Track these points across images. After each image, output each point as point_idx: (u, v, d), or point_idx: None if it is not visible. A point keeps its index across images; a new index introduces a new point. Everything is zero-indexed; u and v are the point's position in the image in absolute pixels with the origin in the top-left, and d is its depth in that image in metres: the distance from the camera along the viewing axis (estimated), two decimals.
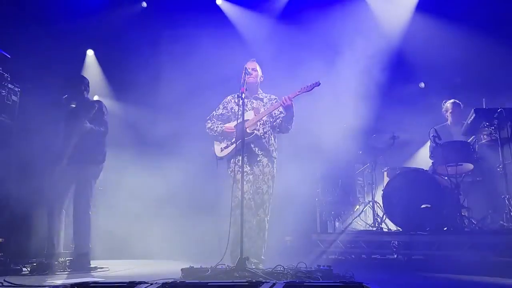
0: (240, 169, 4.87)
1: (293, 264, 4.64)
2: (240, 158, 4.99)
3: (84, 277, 4.83)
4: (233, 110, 5.63)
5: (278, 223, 6.27)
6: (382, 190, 6.83)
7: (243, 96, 4.87)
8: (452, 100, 7.29)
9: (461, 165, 6.35)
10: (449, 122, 7.25)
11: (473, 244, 5.59)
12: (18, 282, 4.18)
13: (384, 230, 7.00)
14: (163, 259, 7.23)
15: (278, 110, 5.47)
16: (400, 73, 8.22)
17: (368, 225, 7.41)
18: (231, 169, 5.42)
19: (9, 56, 6.28)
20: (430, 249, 5.86)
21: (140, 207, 7.81)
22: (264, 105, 5.55)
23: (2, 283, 4.12)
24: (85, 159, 5.77)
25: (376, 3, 8.38)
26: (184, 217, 7.52)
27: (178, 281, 3.62)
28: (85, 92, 6.05)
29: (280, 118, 5.49)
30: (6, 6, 7.33)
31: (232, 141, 5.41)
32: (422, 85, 8.68)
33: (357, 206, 7.86)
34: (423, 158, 7.71)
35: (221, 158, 5.50)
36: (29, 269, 5.30)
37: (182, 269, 4.48)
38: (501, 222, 6.08)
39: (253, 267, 4.61)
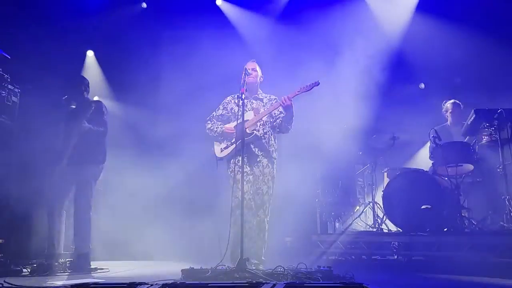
0: (240, 170, 4.87)
1: (293, 265, 4.65)
2: (240, 158, 5.00)
3: (84, 278, 4.83)
4: (233, 111, 5.63)
5: (278, 223, 6.28)
6: (382, 191, 6.83)
7: (243, 97, 4.87)
8: (452, 101, 7.29)
9: (461, 165, 6.35)
10: (449, 122, 7.25)
11: (473, 245, 5.59)
12: (18, 283, 4.17)
13: (384, 231, 7.00)
14: (163, 260, 7.23)
15: (278, 110, 5.48)
16: (400, 74, 8.22)
17: (368, 226, 7.41)
18: (231, 170, 5.42)
19: (9, 57, 6.28)
20: (430, 250, 5.86)
21: (140, 208, 7.82)
22: (264, 105, 5.55)
23: (2, 284, 4.12)
24: (85, 159, 5.76)
25: (376, 3, 8.37)
26: (184, 218, 7.52)
27: (178, 282, 3.63)
28: (85, 92, 6.05)
29: (280, 118, 5.50)
30: (6, 6, 7.33)
31: (232, 141, 5.41)
32: (422, 86, 8.67)
33: (357, 207, 7.85)
34: (423, 159, 7.71)
35: (221, 158, 5.50)
36: (29, 270, 5.29)
37: (182, 270, 4.48)
38: (501, 223, 6.08)
39: (253, 268, 4.60)
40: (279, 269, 4.36)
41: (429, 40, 8.02)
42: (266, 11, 8.60)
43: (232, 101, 5.69)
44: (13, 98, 6.36)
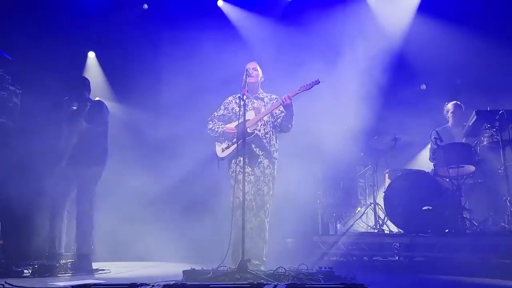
0: (241, 170, 4.86)
1: (294, 266, 4.64)
2: (241, 159, 5.00)
3: (85, 279, 4.83)
4: (234, 111, 5.63)
5: (279, 224, 6.27)
6: (384, 192, 6.82)
7: (244, 98, 4.88)
8: (453, 102, 7.28)
9: (463, 167, 6.35)
10: (450, 124, 7.24)
11: (475, 246, 5.58)
12: (19, 284, 4.18)
13: (386, 232, 6.99)
14: (164, 261, 7.23)
15: (279, 110, 5.48)
16: (402, 75, 8.21)
17: (369, 227, 7.40)
18: (232, 170, 5.43)
19: (10, 58, 6.29)
20: (432, 251, 5.85)
21: (141, 208, 7.81)
22: (265, 105, 5.56)
23: (3, 285, 4.12)
24: (86, 160, 5.76)
25: (377, 4, 8.37)
26: (185, 218, 7.53)
27: (179, 283, 3.63)
28: (86, 93, 6.06)
29: (281, 118, 5.50)
30: (7, 7, 7.34)
31: (233, 141, 5.41)
32: (424, 87, 8.67)
33: (359, 208, 7.85)
34: (424, 160, 7.70)
35: (222, 158, 5.50)
36: (30, 271, 5.29)
37: (183, 271, 4.48)
38: (503, 224, 6.08)
39: (255, 268, 4.60)
40: (280, 270, 4.36)
41: (430, 41, 8.01)
42: (267, 12, 8.60)
43: (233, 101, 5.70)
44: (14, 99, 6.37)
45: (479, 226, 6.24)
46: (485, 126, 6.23)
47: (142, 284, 3.34)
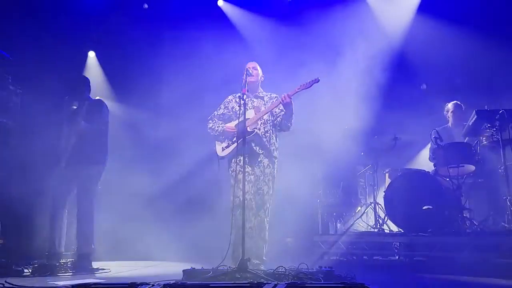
0: (241, 169, 4.86)
1: (294, 265, 4.65)
2: (241, 158, 5.01)
3: (85, 278, 4.84)
4: (234, 110, 5.63)
5: (279, 224, 6.28)
6: (384, 192, 6.83)
7: (244, 97, 4.88)
8: (453, 102, 7.28)
9: (463, 166, 6.35)
10: (450, 123, 7.25)
11: (475, 245, 5.59)
12: (19, 283, 4.18)
13: (386, 231, 7.00)
14: (165, 260, 7.23)
15: (278, 109, 5.48)
16: (402, 75, 8.21)
17: (369, 227, 7.40)
18: (232, 169, 5.43)
19: (10, 58, 6.29)
20: (432, 251, 5.86)
21: (142, 208, 7.81)
22: (264, 104, 5.56)
23: (3, 284, 4.12)
24: (86, 159, 5.76)
25: (378, 4, 8.37)
26: (185, 218, 7.53)
27: (179, 283, 3.63)
28: (86, 92, 6.06)
29: (281, 116, 5.50)
30: (7, 7, 7.34)
31: (233, 140, 5.41)
32: (424, 86, 8.67)
33: (359, 208, 7.85)
34: (424, 160, 7.70)
35: (223, 157, 5.51)
36: (30, 270, 5.30)
37: (183, 271, 4.48)
38: (503, 223, 6.08)
39: (255, 268, 4.60)
40: (281, 270, 4.36)
41: (430, 41, 8.01)
42: (267, 12, 8.60)
43: (233, 100, 5.70)
44: (14, 99, 6.37)
45: (479, 226, 6.24)
46: (485, 126, 6.23)
47: (142, 284, 3.34)
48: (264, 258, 5.27)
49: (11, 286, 4.06)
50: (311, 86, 5.17)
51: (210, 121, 5.68)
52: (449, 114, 7.26)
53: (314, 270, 4.54)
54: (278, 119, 5.53)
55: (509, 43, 7.52)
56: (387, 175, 7.63)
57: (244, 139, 4.79)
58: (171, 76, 8.14)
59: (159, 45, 8.69)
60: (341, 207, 7.67)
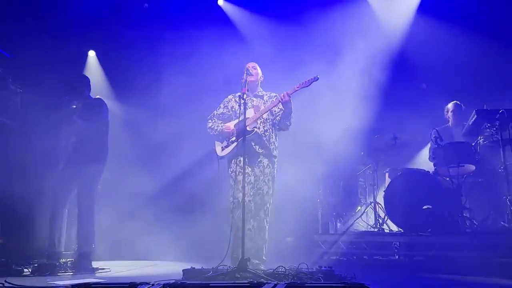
0: (241, 170, 4.87)
1: (294, 265, 4.65)
2: (241, 158, 5.02)
3: (85, 278, 4.84)
4: (233, 109, 5.63)
5: (279, 223, 6.29)
6: (384, 191, 6.83)
7: (244, 97, 4.88)
8: (453, 102, 7.29)
9: (463, 166, 6.35)
10: (450, 123, 7.25)
11: (475, 245, 5.59)
12: (19, 283, 4.18)
13: (386, 231, 7.00)
14: (164, 260, 7.23)
15: (278, 108, 5.48)
16: (402, 74, 8.21)
17: (369, 226, 7.41)
18: (231, 170, 5.43)
19: (10, 57, 6.30)
20: (432, 250, 5.86)
21: (141, 207, 7.82)
22: (264, 103, 5.56)
23: (3, 284, 4.13)
24: (86, 158, 5.76)
25: (377, 3, 8.36)
26: (185, 217, 7.53)
27: (179, 282, 3.63)
28: (86, 91, 6.06)
29: (280, 115, 5.50)
30: (7, 7, 7.34)
31: (232, 140, 5.41)
32: (424, 86, 8.67)
33: (359, 207, 7.86)
34: (424, 159, 7.70)
35: (222, 157, 5.51)
36: (30, 269, 5.30)
37: (183, 270, 4.48)
38: (502, 223, 6.08)
39: (254, 268, 4.60)
40: (280, 269, 4.36)
41: (430, 40, 8.00)
42: (267, 11, 8.59)
43: (233, 99, 5.70)
44: (15, 98, 6.37)
45: (479, 225, 6.25)
46: (485, 125, 6.23)
47: (142, 283, 3.34)
48: (264, 257, 5.27)
49: (11, 285, 4.06)
50: (310, 84, 5.16)
51: (210, 121, 5.68)
52: (449, 114, 7.27)
53: (314, 270, 4.54)
54: (277, 118, 5.53)
55: (509, 43, 7.52)
56: (387, 174, 7.63)
57: (244, 138, 4.79)
58: (171, 76, 8.13)
59: (159, 44, 8.68)
60: (341, 207, 7.68)
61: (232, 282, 3.90)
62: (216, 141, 5.59)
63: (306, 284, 3.35)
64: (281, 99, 5.25)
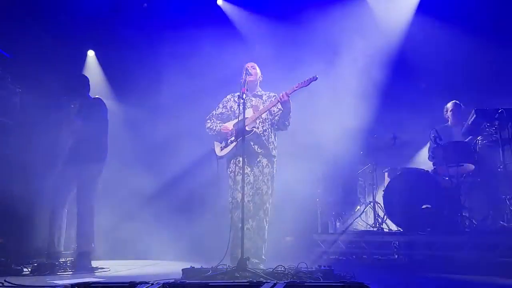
0: (240, 169, 4.87)
1: (294, 264, 4.65)
2: (240, 158, 5.02)
3: (85, 277, 4.84)
4: (232, 109, 5.63)
5: (279, 223, 6.29)
6: (383, 191, 6.83)
7: (244, 97, 4.88)
8: (453, 101, 7.29)
9: (462, 165, 6.35)
10: (450, 122, 7.25)
11: (474, 244, 5.60)
12: (18, 282, 4.18)
13: (385, 230, 7.01)
14: (164, 259, 7.23)
15: (277, 108, 5.47)
16: (401, 73, 8.21)
17: (369, 226, 7.41)
18: (230, 170, 5.43)
19: (10, 57, 6.29)
20: (431, 250, 5.87)
21: (141, 207, 7.82)
22: (263, 103, 5.55)
23: (2, 283, 4.13)
24: (85, 158, 5.76)
25: (377, 2, 8.36)
26: (185, 217, 7.53)
27: (178, 282, 3.63)
28: (85, 91, 6.06)
29: (278, 115, 5.50)
30: (7, 7, 7.34)
31: (232, 139, 5.41)
32: (423, 86, 8.68)
33: (358, 207, 7.86)
34: (424, 159, 7.71)
35: (221, 157, 5.50)
36: (30, 269, 5.30)
37: (183, 270, 4.48)
38: (502, 223, 6.08)
39: (254, 267, 4.61)
40: (280, 269, 4.36)
41: (430, 40, 8.01)
42: (266, 11, 8.59)
43: (232, 99, 5.70)
44: (14, 98, 6.36)
45: (478, 225, 6.25)
46: (485, 125, 6.24)
47: (141, 283, 3.34)
48: (263, 257, 5.28)
49: (10, 285, 4.06)
50: (309, 84, 5.15)
51: (208, 121, 5.68)
52: (449, 113, 7.27)
53: (314, 269, 4.55)
54: (276, 117, 5.53)
55: (508, 42, 7.52)
56: (386, 174, 7.64)
57: (243, 138, 4.80)
58: (171, 75, 8.13)
59: (158, 44, 8.68)
60: (341, 206, 7.68)
61: (232, 281, 3.90)
62: (215, 141, 5.59)
63: (305, 283, 3.35)
64: (280, 99, 5.24)
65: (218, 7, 8.89)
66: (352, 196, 7.92)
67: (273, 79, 6.16)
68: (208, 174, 6.97)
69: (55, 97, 6.29)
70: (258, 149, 5.40)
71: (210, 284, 3.37)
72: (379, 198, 7.09)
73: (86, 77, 6.26)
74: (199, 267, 4.48)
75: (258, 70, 5.67)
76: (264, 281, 3.45)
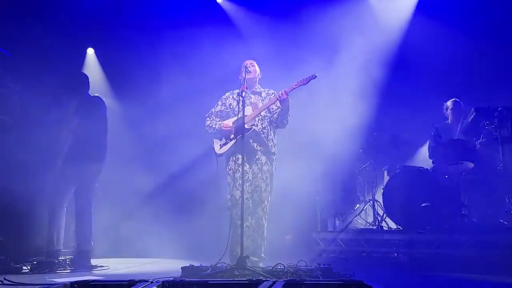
0: (239, 167, 4.87)
1: (293, 263, 4.66)
2: (239, 156, 5.02)
3: (84, 276, 4.84)
4: (231, 107, 5.62)
5: (278, 221, 6.29)
6: (383, 189, 6.83)
7: (243, 95, 4.88)
8: (452, 99, 7.28)
9: (462, 163, 6.36)
10: (449, 120, 7.24)
11: (473, 242, 5.61)
12: (18, 280, 4.19)
13: (384, 228, 7.01)
14: (163, 258, 7.24)
15: (275, 105, 5.46)
16: (401, 72, 8.19)
17: (368, 224, 7.41)
18: (229, 167, 5.43)
19: (9, 55, 6.28)
20: (430, 248, 5.87)
21: (140, 205, 7.82)
22: (262, 100, 5.54)
23: (2, 281, 4.13)
24: (85, 157, 5.75)
25: (377, 0, 8.35)
26: (184, 215, 7.52)
27: (178, 280, 3.63)
28: (85, 89, 6.05)
29: (277, 113, 5.49)
30: (7, 5, 7.33)
31: (231, 137, 5.40)
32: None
33: (357, 205, 7.86)
34: (423, 157, 7.71)
35: (221, 155, 5.50)
36: (29, 267, 5.31)
37: (182, 268, 4.49)
38: (501, 221, 6.08)
39: (253, 265, 4.61)
40: (279, 267, 4.37)
41: (430, 38, 7.99)
42: (265, 9, 8.58)
43: (231, 96, 5.69)
44: (14, 96, 6.36)
45: (477, 223, 6.24)
46: (484, 123, 6.24)
47: (141, 281, 3.34)
48: (262, 255, 5.27)
49: (9, 283, 4.06)
50: (308, 82, 5.15)
51: (208, 119, 5.67)
52: (448, 111, 7.26)
53: (313, 267, 4.55)
54: (275, 115, 5.52)
55: (508, 41, 7.52)
56: (385, 172, 7.63)
57: (242, 135, 4.80)
58: (170, 74, 8.13)
59: (157, 42, 8.68)
60: (340, 204, 7.67)
61: (231, 279, 3.90)
62: (214, 139, 5.58)
63: (305, 282, 3.35)
64: (279, 97, 5.23)
65: (218, 5, 8.88)
66: (352, 194, 7.91)
67: (273, 77, 6.15)
68: (208, 172, 6.96)
69: (55, 95, 6.28)
70: (257, 146, 5.40)
71: (209, 282, 3.37)
72: (379, 196, 7.09)
73: (86, 75, 6.26)
74: (199, 265, 4.49)
75: (257, 68, 5.66)
76: (264, 279, 3.45)
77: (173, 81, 7.98)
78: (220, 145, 5.49)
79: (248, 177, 5.29)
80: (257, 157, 5.38)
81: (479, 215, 6.44)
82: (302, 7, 8.18)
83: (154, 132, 8.20)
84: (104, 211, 6.75)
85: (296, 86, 5.18)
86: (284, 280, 3.32)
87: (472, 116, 6.37)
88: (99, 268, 5.59)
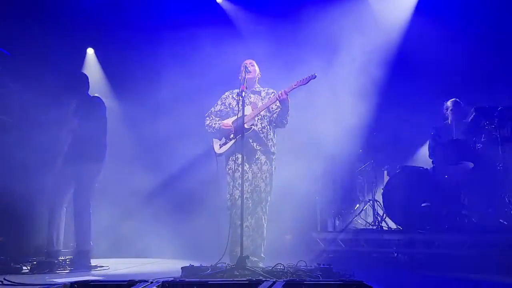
0: (238, 167, 4.87)
1: (293, 263, 4.66)
2: (238, 155, 5.02)
3: (84, 276, 4.84)
4: (231, 106, 5.62)
5: (278, 221, 6.29)
6: (382, 189, 6.83)
7: (243, 94, 4.88)
8: (452, 99, 7.28)
9: (462, 163, 6.35)
10: (449, 121, 7.24)
11: (473, 242, 5.60)
12: (18, 280, 4.18)
13: (384, 228, 7.01)
14: (163, 258, 7.24)
15: (275, 105, 5.46)
16: (401, 71, 8.19)
17: (368, 224, 7.41)
18: (229, 167, 5.43)
19: (9, 55, 6.29)
20: (430, 248, 5.88)
21: (140, 205, 7.82)
22: (262, 99, 5.54)
23: (2, 281, 4.13)
24: (85, 157, 5.75)
25: (377, 1, 8.34)
26: (184, 215, 7.52)
27: (178, 280, 3.63)
28: (84, 89, 6.05)
29: (277, 113, 5.49)
30: (7, 5, 7.33)
31: (231, 137, 5.40)
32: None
33: (357, 205, 7.86)
34: (423, 157, 7.70)
35: (220, 154, 5.50)
36: (29, 267, 5.30)
37: (182, 268, 4.48)
38: (501, 221, 6.08)
39: (253, 265, 4.61)
40: (279, 267, 4.37)
41: (430, 38, 7.99)
42: (265, 8, 8.57)
43: (230, 96, 5.69)
44: (14, 96, 6.36)
45: (477, 223, 6.24)
46: (484, 123, 6.24)
47: (140, 281, 3.34)
48: (262, 255, 5.27)
49: (9, 283, 4.06)
50: (307, 82, 5.15)
51: (207, 118, 5.66)
52: (448, 111, 7.25)
53: (313, 267, 4.55)
54: (274, 115, 5.51)
55: (508, 40, 7.52)
56: (385, 172, 7.63)
57: (242, 135, 4.80)
58: (170, 73, 8.12)
59: (157, 42, 8.67)
60: (340, 204, 7.68)
61: (231, 279, 3.90)
62: (214, 139, 5.58)
63: (304, 282, 3.35)
64: (279, 97, 5.23)
65: (218, 5, 8.87)
66: (352, 194, 7.92)
67: (272, 77, 6.15)
68: (208, 172, 6.96)
69: (55, 95, 6.28)
70: (257, 146, 5.39)
71: (209, 282, 3.37)
72: (379, 196, 7.09)
73: (85, 75, 6.26)
74: (198, 265, 4.49)
75: (257, 67, 5.65)
76: (263, 279, 3.45)
77: (173, 81, 7.97)
78: (219, 144, 5.49)
79: (248, 176, 5.29)
80: (256, 156, 5.38)
81: (479, 215, 6.44)
82: (302, 7, 8.17)
83: (154, 132, 8.20)
84: (104, 211, 6.75)
85: (295, 86, 5.18)
86: (284, 280, 3.32)
87: (472, 116, 6.37)
88: (99, 268, 5.59)
